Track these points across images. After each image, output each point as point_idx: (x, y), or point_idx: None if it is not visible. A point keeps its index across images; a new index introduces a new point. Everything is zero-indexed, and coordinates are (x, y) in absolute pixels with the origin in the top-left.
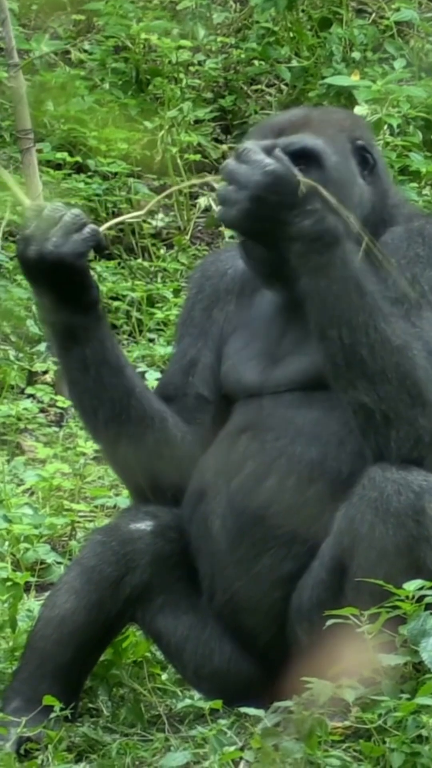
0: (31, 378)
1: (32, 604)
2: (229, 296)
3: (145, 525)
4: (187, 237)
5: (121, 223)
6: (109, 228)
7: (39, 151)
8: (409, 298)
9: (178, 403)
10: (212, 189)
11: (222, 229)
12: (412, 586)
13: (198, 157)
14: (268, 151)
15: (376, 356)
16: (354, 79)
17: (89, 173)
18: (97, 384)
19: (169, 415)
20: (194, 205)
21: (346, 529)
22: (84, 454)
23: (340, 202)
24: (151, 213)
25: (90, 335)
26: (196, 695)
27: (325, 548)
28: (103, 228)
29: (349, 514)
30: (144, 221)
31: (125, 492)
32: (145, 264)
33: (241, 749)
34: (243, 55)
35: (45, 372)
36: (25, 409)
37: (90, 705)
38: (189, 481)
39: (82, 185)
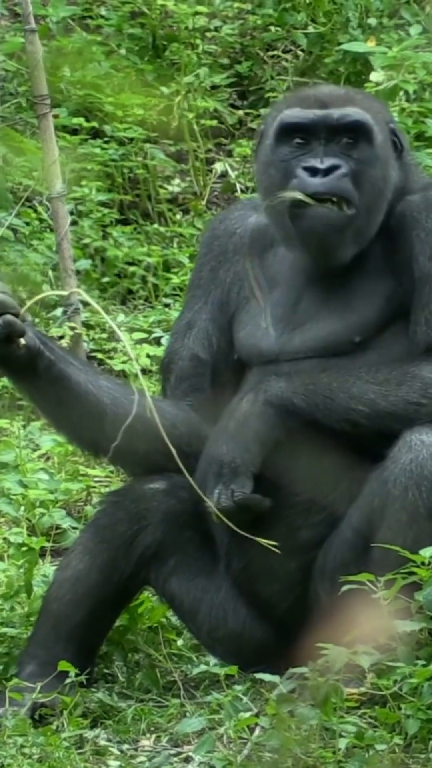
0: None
1: (47, 569)
2: (237, 256)
3: (158, 484)
4: (204, 202)
5: (41, 306)
6: (30, 308)
7: (55, 116)
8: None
9: (174, 371)
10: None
11: (238, 194)
12: (428, 552)
13: (214, 122)
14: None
15: None
16: (370, 45)
17: (106, 138)
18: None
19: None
20: (210, 171)
21: (378, 490)
22: None
23: (384, 184)
24: (168, 178)
25: (42, 387)
26: (212, 661)
27: (353, 509)
28: (24, 308)
29: (383, 476)
30: (160, 186)
31: None
32: (161, 229)
33: (257, 715)
34: (259, 21)
35: (61, 337)
36: None
37: (105, 670)
38: (196, 449)
39: (98, 150)
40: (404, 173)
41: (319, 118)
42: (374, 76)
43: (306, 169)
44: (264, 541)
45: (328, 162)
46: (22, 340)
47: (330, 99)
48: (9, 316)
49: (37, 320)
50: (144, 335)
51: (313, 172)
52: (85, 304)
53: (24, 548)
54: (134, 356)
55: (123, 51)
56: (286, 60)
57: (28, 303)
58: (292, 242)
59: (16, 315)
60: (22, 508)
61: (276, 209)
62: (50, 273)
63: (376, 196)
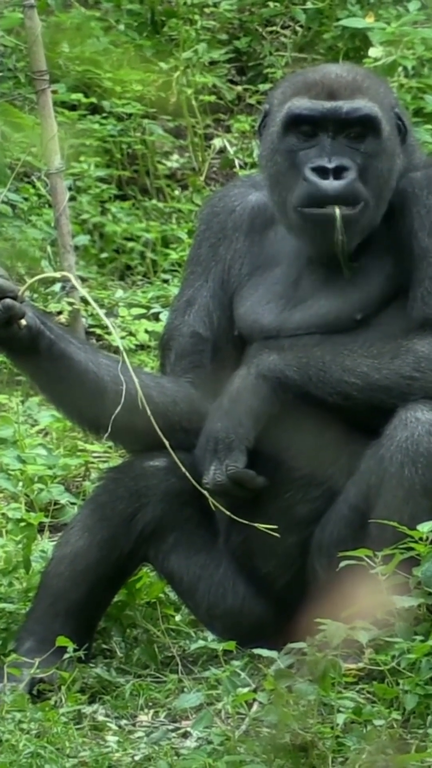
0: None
1: (46, 544)
2: (237, 233)
3: (158, 462)
4: (202, 178)
5: (42, 283)
6: (28, 288)
7: (54, 92)
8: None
9: (174, 348)
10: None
11: (237, 170)
12: (426, 527)
13: (213, 98)
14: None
15: None
16: (368, 21)
17: (104, 114)
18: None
19: (152, 388)
20: (209, 146)
21: (375, 468)
22: None
23: (389, 175)
24: (166, 154)
25: (43, 366)
26: (210, 636)
27: (350, 486)
28: (21, 290)
29: (378, 453)
30: (159, 162)
31: None
32: (160, 205)
33: (255, 691)
34: None
35: (59, 312)
36: None
37: (103, 646)
38: (197, 426)
39: (96, 126)
40: (407, 154)
41: (328, 111)
42: (373, 52)
43: (314, 170)
44: (262, 526)
45: (336, 161)
46: (23, 321)
47: (338, 87)
48: (8, 300)
49: (35, 296)
50: (142, 311)
51: (322, 172)
52: (83, 279)
53: (22, 524)
54: (120, 343)
55: (122, 26)
56: (285, 36)
57: (24, 286)
58: (299, 236)
59: (14, 297)
60: (21, 483)
61: (288, 210)
62: (49, 248)
63: (382, 188)
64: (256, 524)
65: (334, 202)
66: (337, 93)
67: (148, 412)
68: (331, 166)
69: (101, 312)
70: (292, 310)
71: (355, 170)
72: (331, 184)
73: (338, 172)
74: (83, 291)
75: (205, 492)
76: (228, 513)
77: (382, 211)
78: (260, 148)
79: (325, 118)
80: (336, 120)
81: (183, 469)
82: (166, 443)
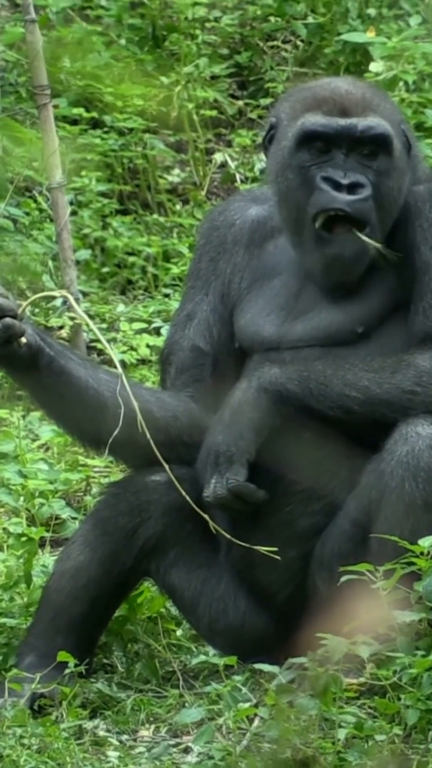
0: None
1: (47, 559)
2: (237, 247)
3: (159, 476)
4: (203, 192)
5: (42, 298)
6: (30, 304)
7: (55, 106)
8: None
9: (174, 362)
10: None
11: (238, 185)
12: (427, 542)
13: (214, 112)
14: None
15: None
16: (369, 35)
17: (105, 129)
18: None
19: (153, 403)
20: (210, 161)
21: (375, 482)
22: None
23: (398, 194)
24: (167, 168)
25: (42, 383)
26: (211, 651)
27: (350, 500)
28: (21, 309)
29: (379, 467)
30: (160, 176)
31: None
32: (161, 219)
33: (256, 706)
34: (259, 11)
35: (61, 327)
36: None
37: (105, 661)
38: (198, 440)
39: (98, 141)
40: (411, 167)
41: (343, 129)
42: (374, 67)
43: (327, 180)
44: (263, 549)
45: (351, 177)
46: (23, 339)
47: (350, 104)
48: (8, 319)
49: (36, 311)
50: (144, 325)
51: (336, 185)
52: (84, 294)
53: (23, 538)
54: (118, 362)
55: (123, 41)
56: (286, 50)
57: (24, 304)
58: (309, 253)
59: (14, 316)
60: (22, 498)
61: (302, 229)
62: (50, 263)
63: (391, 206)
64: (256, 547)
65: (344, 212)
66: (349, 110)
67: (148, 436)
68: (345, 182)
69: (98, 331)
70: (293, 321)
71: (370, 188)
72: (344, 197)
73: (352, 188)
74: (80, 311)
75: (206, 516)
76: (228, 536)
77: (387, 229)
78: (268, 162)
79: (339, 135)
80: (350, 137)
81: (183, 494)
82: (166, 467)
